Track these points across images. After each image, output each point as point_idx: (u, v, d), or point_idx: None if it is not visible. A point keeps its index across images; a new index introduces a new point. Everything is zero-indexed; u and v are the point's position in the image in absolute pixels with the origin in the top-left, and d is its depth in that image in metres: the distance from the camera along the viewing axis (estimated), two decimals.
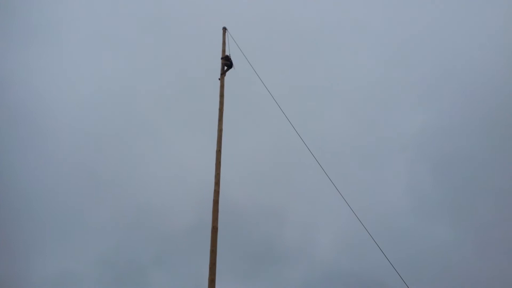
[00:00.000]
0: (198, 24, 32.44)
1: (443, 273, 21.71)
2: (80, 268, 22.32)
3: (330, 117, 31.67)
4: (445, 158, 27.38)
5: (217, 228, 10.06)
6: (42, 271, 21.83)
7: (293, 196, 26.57)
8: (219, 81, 13.80)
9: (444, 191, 26.34)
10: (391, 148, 29.11)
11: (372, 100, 32.06)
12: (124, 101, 31.47)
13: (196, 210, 23.13)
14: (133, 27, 34.28)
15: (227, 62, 14.30)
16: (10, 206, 23.20)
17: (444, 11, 33.31)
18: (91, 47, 32.77)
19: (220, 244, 9.86)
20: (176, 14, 34.61)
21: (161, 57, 33.54)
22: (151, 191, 26.19)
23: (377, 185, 26.86)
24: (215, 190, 10.80)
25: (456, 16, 32.76)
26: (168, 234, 24.28)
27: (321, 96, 32.68)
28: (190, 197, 24.77)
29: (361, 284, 21.83)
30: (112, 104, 30.94)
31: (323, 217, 25.62)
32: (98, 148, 28.00)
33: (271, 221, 26.11)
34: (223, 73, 14.01)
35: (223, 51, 14.89)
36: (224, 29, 15.58)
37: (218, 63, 14.47)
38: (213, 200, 10.61)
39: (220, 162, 11.42)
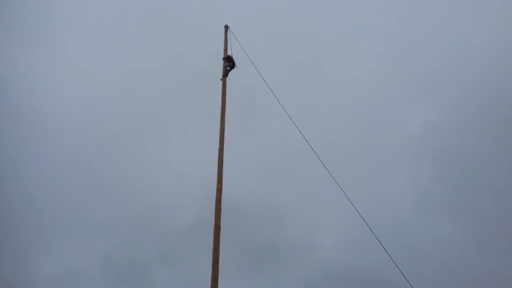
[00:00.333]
0: (200, 22, 32.44)
1: (445, 269, 21.74)
2: (82, 266, 22.42)
3: (332, 115, 31.68)
4: (446, 155, 27.38)
5: (219, 227, 10.06)
6: (45, 269, 21.94)
7: (295, 193, 26.57)
8: (221, 81, 13.80)
9: (446, 188, 26.35)
10: (393, 145, 29.12)
11: (373, 97, 32.05)
12: (126, 99, 31.52)
13: (199, 209, 23.18)
14: (134, 25, 34.32)
15: (229, 63, 14.27)
16: (13, 204, 23.31)
17: (445, 8, 33.27)
18: (92, 46, 32.77)
19: (222, 242, 9.87)
20: (178, 12, 34.61)
21: (163, 54, 33.51)
22: (153, 190, 26.25)
23: (379, 182, 26.86)
24: (217, 188, 10.81)
25: (457, 13, 32.69)
26: (171, 232, 24.35)
27: (323, 93, 32.64)
28: (192, 196, 24.83)
29: (363, 280, 21.88)
30: (115, 102, 31.01)
31: (325, 214, 25.67)
32: (100, 146, 28.05)
33: (273, 219, 26.18)
34: (225, 74, 13.94)
35: (225, 49, 14.85)
36: (226, 27, 15.57)
37: (220, 60, 14.45)
38: (216, 198, 10.61)
39: (222, 161, 11.42)
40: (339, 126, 30.45)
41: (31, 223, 23.17)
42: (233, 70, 14.31)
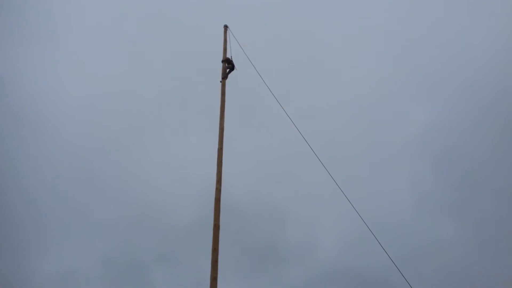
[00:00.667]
0: (200, 22, 32.43)
1: (445, 269, 21.73)
2: (82, 266, 22.41)
3: (332, 115, 31.67)
4: (446, 155, 27.37)
5: (219, 226, 10.07)
6: (45, 269, 21.93)
7: (295, 194, 26.60)
8: (220, 82, 13.79)
9: (446, 188, 26.34)
10: (393, 145, 29.10)
11: (373, 97, 32.04)
12: (126, 99, 31.53)
13: (199, 208, 23.15)
14: (134, 25, 34.31)
15: (229, 65, 14.24)
16: (13, 204, 23.31)
17: (445, 8, 33.26)
18: (92, 46, 32.78)
19: (222, 242, 9.87)
20: (178, 12, 34.61)
21: (163, 54, 33.51)
22: (153, 189, 26.24)
23: (379, 182, 26.84)
24: (216, 188, 10.82)
25: (457, 13, 32.68)
26: (170, 232, 24.35)
27: (323, 93, 32.62)
28: (192, 195, 24.82)
29: (363, 280, 21.87)
30: (115, 102, 31.01)
31: (325, 214, 25.67)
32: (100, 146, 28.06)
33: (273, 219, 26.18)
34: (225, 76, 13.89)
35: (225, 49, 14.81)
36: (226, 27, 15.55)
37: (219, 60, 14.43)
38: (215, 198, 10.62)
39: (221, 160, 11.42)
40: (339, 126, 30.47)
41: (31, 223, 23.18)
42: (232, 71, 14.30)
